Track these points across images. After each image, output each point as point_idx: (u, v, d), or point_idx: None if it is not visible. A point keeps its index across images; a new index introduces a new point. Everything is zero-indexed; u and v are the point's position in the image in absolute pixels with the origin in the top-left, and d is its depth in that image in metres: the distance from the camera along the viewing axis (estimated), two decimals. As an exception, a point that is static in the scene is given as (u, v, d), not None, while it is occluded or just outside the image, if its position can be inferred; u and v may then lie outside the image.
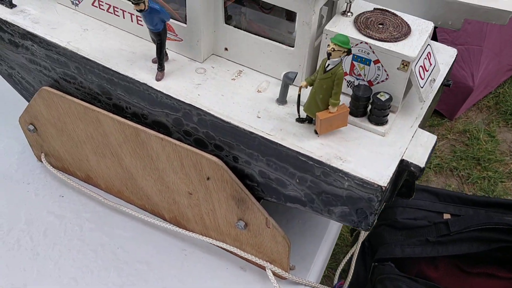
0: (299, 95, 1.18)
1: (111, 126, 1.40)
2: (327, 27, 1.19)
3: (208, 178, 1.34)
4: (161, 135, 1.33)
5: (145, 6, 1.16)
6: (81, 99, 1.44)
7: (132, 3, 1.16)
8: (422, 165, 1.14)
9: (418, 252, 2.33)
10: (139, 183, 1.54)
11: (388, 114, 1.18)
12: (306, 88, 1.16)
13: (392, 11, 1.24)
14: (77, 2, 1.44)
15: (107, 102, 1.40)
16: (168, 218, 1.58)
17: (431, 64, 1.22)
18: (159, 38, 1.24)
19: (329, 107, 1.12)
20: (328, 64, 1.08)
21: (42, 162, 1.74)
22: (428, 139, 1.19)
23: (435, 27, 2.45)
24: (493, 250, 2.29)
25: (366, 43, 1.15)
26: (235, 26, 1.30)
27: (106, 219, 1.63)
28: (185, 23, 1.30)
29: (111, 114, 1.38)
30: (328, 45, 1.06)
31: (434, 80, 1.23)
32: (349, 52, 1.06)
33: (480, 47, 3.90)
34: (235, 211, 1.36)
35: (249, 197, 1.30)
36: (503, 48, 4.21)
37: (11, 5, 1.45)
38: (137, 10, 1.17)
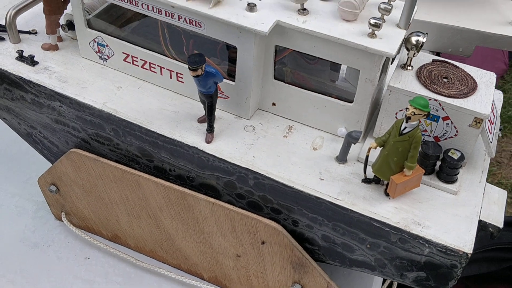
0: (367, 156, 1.11)
1: (152, 189, 1.31)
2: (391, 83, 1.13)
3: (263, 242, 1.26)
4: (212, 200, 1.24)
5: (202, 71, 1.08)
6: (116, 161, 1.34)
7: (190, 69, 1.07)
8: (500, 225, 1.09)
9: None
10: (177, 244, 1.45)
11: (458, 173, 1.13)
12: (375, 149, 1.09)
13: (452, 62, 1.19)
14: (105, 57, 1.35)
15: (147, 165, 1.31)
16: (207, 278, 1.49)
17: (494, 116, 1.18)
18: (211, 100, 1.16)
19: (405, 170, 1.06)
20: (405, 127, 1.02)
21: (62, 221, 1.62)
22: (500, 195, 1.15)
23: (438, 53, 2.44)
24: (502, 269, 2.29)
25: (435, 100, 1.10)
26: (279, 78, 1.23)
27: (139, 281, 1.53)
28: (233, 80, 1.22)
29: (154, 178, 1.28)
30: (407, 108, 1.00)
31: (499, 132, 1.19)
32: (428, 115, 1.01)
33: (463, 61, 3.96)
34: (291, 274, 1.29)
35: (310, 262, 1.23)
36: (484, 61, 4.27)
37: (33, 63, 1.34)
38: (193, 76, 1.09)
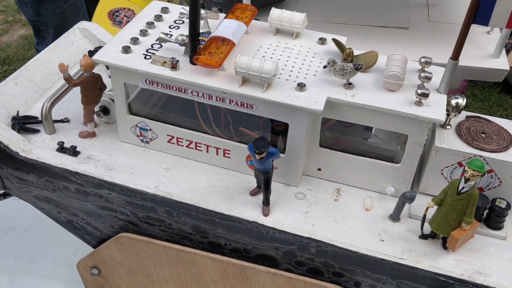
0: (424, 215, 1.19)
1: (208, 265, 1.33)
2: (436, 143, 1.22)
3: (325, 305, 1.30)
4: (273, 270, 1.28)
5: (266, 153, 1.13)
6: (167, 240, 1.36)
7: (257, 153, 1.12)
8: (550, 263, 1.18)
9: None
10: (228, 313, 1.46)
11: (505, 220, 1.22)
12: (432, 208, 1.17)
13: (484, 117, 1.29)
14: (148, 140, 1.37)
15: (201, 241, 1.34)
16: None
17: (527, 163, 1.28)
18: (268, 175, 1.21)
19: (463, 225, 1.14)
20: (463, 187, 1.11)
21: (99, 302, 1.61)
22: (543, 235, 1.25)
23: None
24: None
25: (480, 156, 1.19)
26: (322, 145, 1.30)
27: None
28: (282, 153, 1.27)
29: (211, 254, 1.31)
30: (466, 171, 1.08)
31: (532, 177, 1.30)
32: (484, 174, 1.09)
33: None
34: (352, 331, 1.33)
35: (373, 319, 1.28)
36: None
37: (75, 153, 1.35)
38: (258, 158, 1.14)
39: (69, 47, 1.66)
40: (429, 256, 1.18)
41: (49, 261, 1.75)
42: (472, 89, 5.16)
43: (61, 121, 1.45)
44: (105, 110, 1.42)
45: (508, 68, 2.20)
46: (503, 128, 1.26)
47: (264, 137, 1.15)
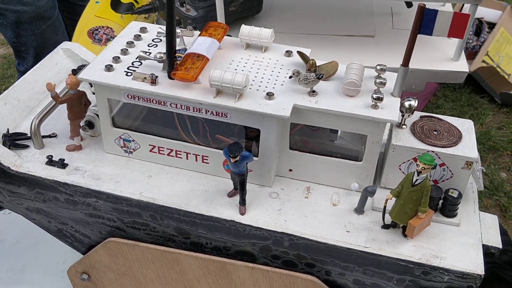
0: (384, 207, 1.32)
1: (191, 263, 1.44)
2: (393, 142, 1.35)
3: (300, 294, 1.42)
4: (251, 264, 1.40)
5: (240, 157, 1.25)
6: (152, 242, 1.47)
7: (231, 157, 1.24)
8: (499, 245, 1.32)
9: None
10: (212, 308, 1.57)
11: (458, 207, 1.36)
12: (391, 199, 1.30)
13: (436, 116, 1.43)
14: (131, 150, 1.48)
15: (184, 241, 1.45)
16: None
17: (477, 156, 1.42)
18: (243, 177, 1.32)
19: (419, 214, 1.27)
20: (417, 179, 1.24)
21: (90, 306, 1.70)
22: (492, 220, 1.39)
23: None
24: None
25: (432, 151, 1.32)
26: (292, 148, 1.42)
27: None
28: (256, 156, 1.39)
29: (193, 253, 1.42)
30: (418, 164, 1.22)
31: (482, 168, 1.44)
32: (434, 167, 1.23)
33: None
34: (328, 318, 1.45)
35: (343, 304, 1.40)
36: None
37: (63, 165, 1.45)
38: (233, 162, 1.25)
39: (54, 67, 1.77)
40: (390, 244, 1.31)
41: (40, 270, 1.84)
42: (443, 90, 5.36)
43: (49, 136, 1.55)
44: (90, 124, 1.52)
45: (467, 70, 2.35)
46: (453, 125, 1.40)
47: (238, 143, 1.27)
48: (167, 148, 1.45)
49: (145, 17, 2.73)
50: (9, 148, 1.48)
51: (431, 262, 1.27)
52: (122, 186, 1.41)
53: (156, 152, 1.46)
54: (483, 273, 1.25)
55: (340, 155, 1.43)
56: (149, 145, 1.46)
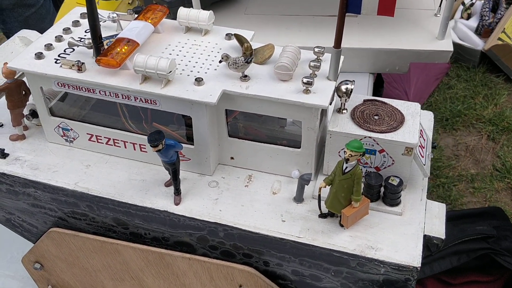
0: (319, 195, 1.26)
1: (131, 254, 1.42)
2: (330, 128, 1.28)
3: (240, 286, 1.38)
4: (188, 255, 1.36)
5: (162, 146, 1.20)
6: (94, 233, 1.45)
7: (151, 146, 1.20)
8: (442, 236, 1.25)
9: None
10: (162, 298, 1.55)
11: (400, 196, 1.29)
12: (325, 187, 1.24)
13: (381, 99, 1.35)
14: (71, 139, 1.46)
15: (123, 232, 1.42)
16: (195, 325, 1.60)
17: (425, 140, 1.34)
18: (174, 166, 1.28)
19: (353, 202, 1.21)
20: (346, 167, 1.17)
21: (49, 295, 1.70)
22: (440, 209, 1.31)
23: (379, 74, 2.64)
24: (472, 259, 2.48)
25: (369, 137, 1.25)
26: (233, 134, 1.37)
27: None
28: (191, 144, 1.35)
29: (131, 244, 1.39)
30: (345, 151, 1.15)
31: (431, 153, 1.36)
32: (363, 154, 1.16)
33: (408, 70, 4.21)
34: (270, 310, 1.41)
35: (285, 296, 1.36)
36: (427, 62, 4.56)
37: (4, 155, 1.44)
38: (155, 151, 1.21)
39: (9, 55, 1.75)
40: (325, 234, 1.25)
41: (4, 259, 1.85)
42: (456, 70, 5.18)
43: (-5, 126, 1.54)
44: (34, 113, 1.50)
45: (452, 49, 2.24)
46: (397, 109, 1.32)
47: (159, 131, 1.22)
48: (104, 137, 1.42)
49: (129, 3, 2.70)
50: (-48, 139, 1.48)
51: (365, 254, 1.21)
52: (59, 176, 1.39)
53: (94, 141, 1.44)
54: (420, 265, 1.18)
55: (287, 142, 1.37)
56: (87, 133, 1.43)
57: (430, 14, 2.33)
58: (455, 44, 5.53)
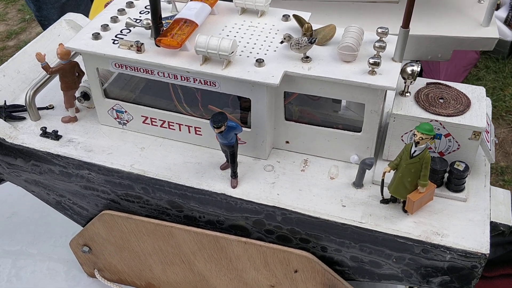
0: (382, 180, 1.23)
1: (185, 237, 1.40)
2: (394, 111, 1.25)
3: (296, 271, 1.36)
4: (244, 239, 1.34)
5: (225, 127, 1.18)
6: (146, 216, 1.43)
7: (214, 127, 1.18)
8: (510, 223, 1.21)
9: None
10: (211, 283, 1.54)
11: (465, 182, 1.25)
12: (389, 172, 1.21)
13: (444, 82, 1.32)
14: (125, 122, 1.44)
15: (177, 215, 1.40)
16: (243, 311, 1.58)
17: (489, 125, 1.31)
18: (232, 149, 1.26)
19: (419, 188, 1.18)
20: (415, 151, 1.14)
21: (95, 277, 1.70)
22: (504, 196, 1.27)
23: (418, 60, 2.59)
24: (508, 252, 2.44)
25: (436, 120, 1.22)
26: (289, 117, 1.34)
27: (179, 325, 1.61)
28: (248, 127, 1.33)
29: (186, 227, 1.38)
30: (415, 134, 1.12)
31: (495, 139, 1.32)
32: (434, 137, 1.13)
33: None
34: (325, 296, 1.39)
35: (341, 282, 1.34)
36: (456, 53, 4.49)
37: (57, 137, 1.43)
38: (217, 133, 1.19)
39: (56, 38, 1.74)
40: (388, 220, 1.22)
41: (49, 243, 1.84)
42: (485, 61, 5.10)
43: (46, 108, 1.53)
44: (85, 96, 1.49)
45: (498, 36, 2.19)
46: (462, 92, 1.29)
47: (222, 112, 1.20)
48: (159, 120, 1.40)
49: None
50: (5, 120, 1.47)
51: (431, 240, 1.18)
52: (114, 158, 1.38)
53: (149, 124, 1.42)
54: (488, 252, 1.15)
55: (342, 127, 1.34)
56: (142, 116, 1.41)
57: (473, 1, 2.28)
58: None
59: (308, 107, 1.40)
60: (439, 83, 1.31)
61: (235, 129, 1.22)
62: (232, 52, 1.22)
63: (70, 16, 1.80)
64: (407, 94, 1.29)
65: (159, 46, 1.28)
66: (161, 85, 1.37)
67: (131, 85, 1.50)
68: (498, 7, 5.15)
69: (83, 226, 1.58)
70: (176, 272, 1.55)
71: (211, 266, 1.46)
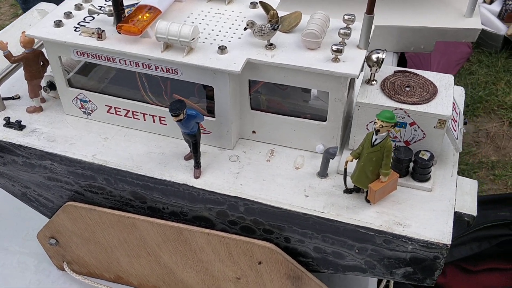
0: (345, 169, 1.20)
1: (149, 229, 1.38)
2: (358, 99, 1.23)
3: (260, 263, 1.33)
4: (207, 230, 1.32)
5: (184, 115, 1.16)
6: (110, 207, 1.41)
7: (172, 115, 1.15)
8: (474, 213, 1.19)
9: None
10: (178, 276, 1.51)
11: (431, 171, 1.23)
12: (352, 161, 1.18)
13: (412, 70, 1.29)
14: (89, 111, 1.42)
15: (141, 206, 1.38)
16: (212, 304, 1.56)
17: (457, 114, 1.28)
18: (195, 138, 1.24)
19: (381, 177, 1.16)
20: (376, 139, 1.12)
21: (64, 271, 1.67)
22: (471, 186, 1.25)
23: (402, 53, 2.56)
24: (493, 246, 2.42)
25: (401, 109, 1.20)
26: (256, 107, 1.32)
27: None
28: (212, 116, 1.30)
29: (149, 219, 1.35)
30: (375, 122, 1.10)
31: (463, 128, 1.29)
32: (395, 125, 1.11)
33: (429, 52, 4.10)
34: (290, 288, 1.37)
35: (305, 274, 1.31)
36: (448, 47, 4.45)
37: (21, 127, 1.41)
38: (176, 121, 1.17)
39: (27, 28, 1.71)
40: (351, 209, 1.20)
41: (19, 236, 1.82)
42: (478, 55, 5.06)
43: (12, 98, 1.51)
44: (51, 85, 1.47)
45: (481, 27, 2.17)
46: (429, 81, 1.26)
47: (181, 100, 1.18)
48: (123, 109, 1.38)
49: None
50: (-32, 110, 1.45)
51: (393, 230, 1.15)
52: (76, 148, 1.35)
53: (113, 113, 1.40)
54: (450, 242, 1.13)
55: (311, 116, 1.32)
56: (106, 105, 1.39)
57: (457, -9, 2.24)
58: (477, 29, 5.37)
59: (278, 96, 1.38)
60: (407, 71, 1.29)
61: (195, 117, 1.20)
62: (193, 38, 1.19)
63: (42, 5, 1.78)
64: (373, 82, 1.26)
65: (120, 33, 1.25)
66: (130, 75, 1.35)
67: (99, 75, 1.47)
68: (491, 1, 5.12)
69: (49, 218, 1.56)
70: (143, 265, 1.52)
71: (176, 258, 1.44)
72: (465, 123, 1.43)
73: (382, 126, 1.09)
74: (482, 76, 4.80)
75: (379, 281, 1.69)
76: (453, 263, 2.51)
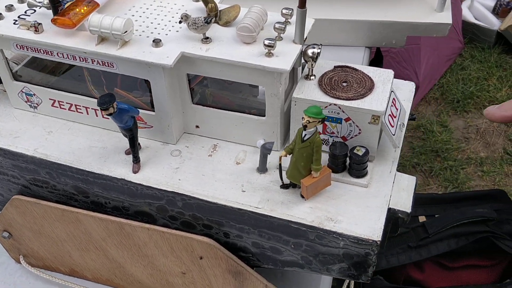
0: (280, 165, 1.20)
1: (92, 223, 1.38)
2: (294, 94, 1.22)
3: (201, 258, 1.33)
4: (147, 225, 1.32)
5: (114, 109, 1.15)
6: (56, 201, 1.41)
7: (101, 109, 1.15)
8: (408, 210, 1.18)
9: (402, 259, 2.43)
10: (128, 270, 1.51)
11: (367, 167, 1.22)
12: (286, 157, 1.18)
13: (352, 66, 1.28)
14: (35, 105, 1.42)
15: (85, 201, 1.38)
16: (163, 299, 1.56)
17: (397, 110, 1.27)
18: (131, 133, 1.24)
19: (312, 172, 1.15)
20: (305, 134, 1.11)
21: (21, 264, 1.68)
22: (409, 182, 1.24)
23: (378, 48, 2.53)
24: (471, 242, 2.40)
25: (335, 104, 1.18)
26: (200, 101, 1.31)
27: (100, 311, 1.59)
28: (153, 111, 1.30)
29: (91, 213, 1.35)
30: (303, 117, 1.09)
31: (404, 124, 1.28)
32: (323, 120, 1.10)
33: (418, 45, 4.06)
34: (232, 283, 1.36)
35: (245, 269, 1.31)
36: (439, 42, 4.41)
37: (-34, 120, 1.41)
38: (106, 115, 1.16)
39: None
40: (285, 205, 1.19)
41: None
42: (470, 51, 5.02)
43: (-38, 91, 1.51)
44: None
45: (451, 22, 2.14)
46: (367, 76, 1.25)
47: (110, 94, 1.17)
48: (66, 103, 1.37)
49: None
50: None
51: (324, 226, 1.15)
52: (19, 142, 1.35)
53: (57, 107, 1.39)
54: (380, 239, 1.12)
55: (256, 111, 1.31)
56: (50, 99, 1.39)
57: (427, -14, 2.22)
58: (470, 24, 5.35)
59: (225, 91, 1.37)
60: (347, 66, 1.27)
61: (127, 111, 1.19)
62: (126, 31, 1.19)
63: None
64: (311, 78, 1.25)
65: (56, 26, 1.25)
66: (79, 68, 1.34)
67: (49, 68, 1.47)
68: (487, -4, 5.05)
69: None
70: (93, 259, 1.53)
71: (123, 253, 1.44)
72: (412, 119, 1.42)
73: (309, 122, 1.08)
74: (474, 72, 4.75)
75: (341, 282, 1.67)
76: (431, 259, 2.50)
